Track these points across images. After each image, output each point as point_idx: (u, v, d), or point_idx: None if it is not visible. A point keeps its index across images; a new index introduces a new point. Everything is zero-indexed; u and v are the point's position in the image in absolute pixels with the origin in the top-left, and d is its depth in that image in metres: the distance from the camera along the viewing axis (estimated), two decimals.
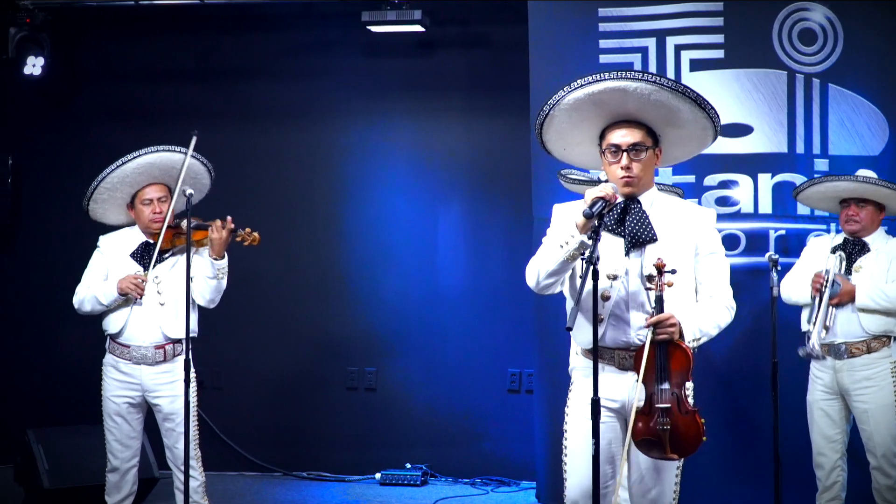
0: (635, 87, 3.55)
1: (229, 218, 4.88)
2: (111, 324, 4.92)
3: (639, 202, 3.65)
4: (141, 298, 4.83)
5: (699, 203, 5.83)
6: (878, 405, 5.03)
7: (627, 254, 3.62)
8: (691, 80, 5.87)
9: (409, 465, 6.90)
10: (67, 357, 7.14)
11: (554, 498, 5.98)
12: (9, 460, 6.35)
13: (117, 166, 4.83)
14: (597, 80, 3.59)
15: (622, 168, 3.62)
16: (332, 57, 7.15)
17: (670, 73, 5.90)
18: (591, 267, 3.38)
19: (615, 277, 3.61)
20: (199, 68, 7.31)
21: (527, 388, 6.83)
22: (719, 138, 5.90)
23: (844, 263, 5.14)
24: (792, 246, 5.80)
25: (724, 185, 5.90)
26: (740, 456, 5.86)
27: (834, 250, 5.17)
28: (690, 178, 5.89)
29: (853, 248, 5.16)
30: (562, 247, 3.52)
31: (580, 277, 3.44)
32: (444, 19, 6.94)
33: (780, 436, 4.92)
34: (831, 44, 5.79)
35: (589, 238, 3.46)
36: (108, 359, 4.94)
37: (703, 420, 3.56)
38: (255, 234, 4.95)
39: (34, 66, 6.80)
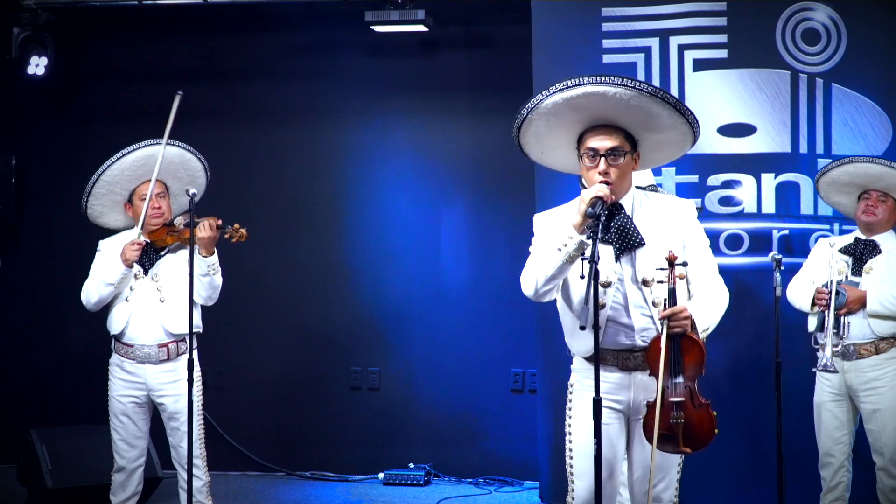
0: (615, 92, 3.52)
1: (213, 218, 4.88)
2: (114, 323, 4.93)
3: (621, 206, 3.64)
4: (134, 275, 4.83)
5: (703, 204, 5.83)
6: (887, 406, 5.01)
7: (617, 260, 3.61)
8: (694, 79, 5.88)
9: (412, 465, 6.90)
10: (71, 357, 7.15)
11: (557, 498, 5.98)
12: (12, 460, 6.37)
13: (116, 159, 4.84)
14: (576, 85, 3.55)
15: (600, 173, 3.60)
16: (335, 57, 7.16)
17: (673, 73, 5.90)
18: (594, 266, 3.37)
19: (608, 285, 3.61)
20: (203, 68, 7.31)
21: (530, 388, 6.82)
22: (723, 137, 5.94)
23: (850, 269, 5.10)
24: (795, 246, 5.79)
25: (728, 184, 5.89)
26: (744, 456, 5.85)
27: (843, 251, 5.14)
28: (694, 178, 5.89)
29: (864, 249, 5.11)
30: (560, 249, 3.51)
31: (581, 277, 3.42)
32: (448, 19, 6.94)
33: (783, 436, 4.91)
34: (835, 44, 5.78)
35: (588, 238, 3.46)
36: (114, 358, 4.96)
37: (715, 413, 3.58)
38: (243, 230, 4.94)
39: (37, 65, 6.80)
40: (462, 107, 7.02)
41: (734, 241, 5.85)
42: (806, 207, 5.77)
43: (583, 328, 3.37)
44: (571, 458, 3.73)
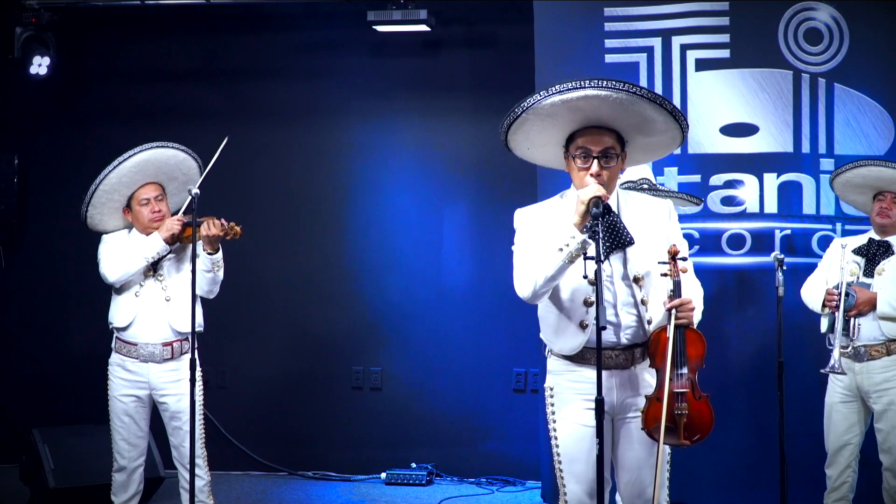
0: (615, 97, 3.52)
1: (213, 217, 4.90)
2: (118, 316, 4.92)
3: (608, 206, 3.62)
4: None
5: (705, 203, 5.83)
6: None
7: (606, 258, 3.62)
8: (697, 79, 5.88)
9: (414, 465, 6.90)
10: (73, 356, 7.15)
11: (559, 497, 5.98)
12: (14, 460, 6.37)
13: (114, 167, 4.84)
14: (576, 88, 3.54)
15: (592, 174, 3.60)
16: (337, 57, 7.16)
17: (676, 73, 5.90)
18: (600, 264, 3.39)
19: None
20: (205, 68, 7.32)
21: (532, 388, 6.82)
22: (725, 137, 5.94)
23: (862, 270, 5.09)
24: (798, 246, 5.79)
25: (730, 184, 5.89)
26: (746, 456, 5.85)
27: (857, 252, 5.12)
28: (696, 178, 5.89)
29: (877, 250, 5.10)
30: (561, 249, 3.50)
31: (584, 276, 3.44)
32: (450, 19, 6.94)
33: (787, 436, 4.91)
34: (837, 43, 5.78)
35: (590, 237, 3.46)
36: (115, 358, 4.96)
37: (712, 406, 3.64)
38: (237, 228, 4.95)
39: (40, 65, 6.80)
40: (464, 106, 7.02)
41: (736, 241, 5.84)
42: (808, 207, 5.76)
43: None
44: (560, 462, 3.73)
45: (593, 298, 3.58)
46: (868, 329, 5.00)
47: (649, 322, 3.65)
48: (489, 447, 6.94)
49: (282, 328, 7.22)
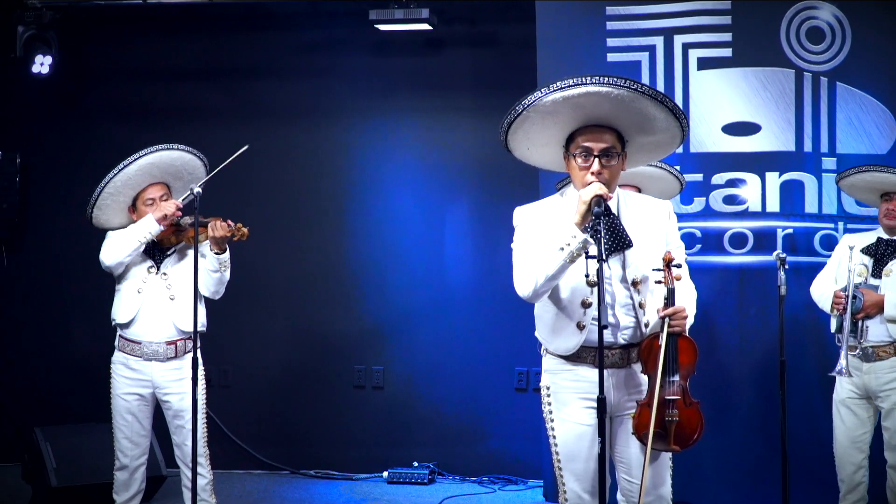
0: (617, 94, 3.52)
1: (220, 219, 4.91)
2: (121, 312, 4.92)
3: (608, 207, 3.61)
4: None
5: (706, 202, 5.83)
6: None
7: (606, 259, 3.62)
8: (699, 78, 5.88)
9: (416, 464, 6.90)
10: (75, 355, 7.16)
11: None
12: (16, 458, 6.37)
13: (119, 170, 4.85)
14: (578, 84, 3.53)
15: (593, 173, 3.59)
16: (339, 55, 7.16)
17: (678, 72, 5.90)
18: (602, 263, 3.39)
19: (596, 284, 3.61)
20: (207, 67, 7.32)
21: (534, 387, 6.82)
22: (727, 136, 5.94)
23: (870, 271, 5.08)
24: (800, 245, 5.79)
25: (732, 183, 5.89)
26: (748, 455, 5.85)
27: (865, 251, 5.11)
28: (698, 177, 5.89)
29: (885, 250, 5.09)
30: (562, 249, 3.50)
31: (586, 276, 3.45)
32: (452, 18, 6.94)
33: (789, 435, 4.91)
34: (839, 42, 5.78)
35: (592, 237, 3.46)
36: (118, 356, 4.96)
37: (702, 413, 3.66)
38: (245, 229, 4.97)
39: (42, 64, 6.80)
40: (466, 105, 7.02)
41: (738, 240, 5.84)
42: (810, 206, 5.76)
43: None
44: (560, 461, 3.73)
45: (591, 300, 3.58)
46: (876, 330, 5.00)
47: (646, 325, 3.66)
48: (491, 446, 6.94)
49: (284, 327, 7.22)
